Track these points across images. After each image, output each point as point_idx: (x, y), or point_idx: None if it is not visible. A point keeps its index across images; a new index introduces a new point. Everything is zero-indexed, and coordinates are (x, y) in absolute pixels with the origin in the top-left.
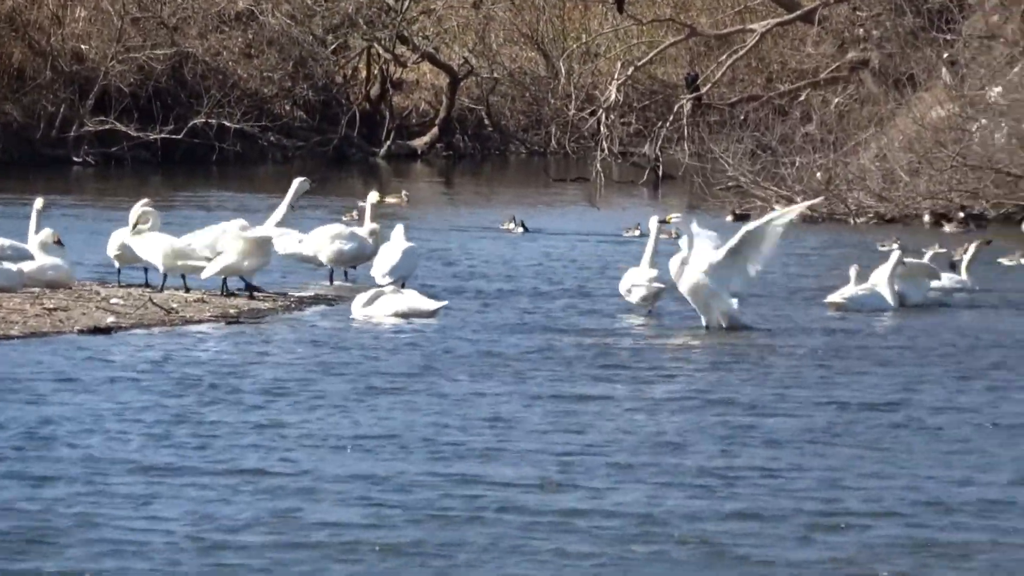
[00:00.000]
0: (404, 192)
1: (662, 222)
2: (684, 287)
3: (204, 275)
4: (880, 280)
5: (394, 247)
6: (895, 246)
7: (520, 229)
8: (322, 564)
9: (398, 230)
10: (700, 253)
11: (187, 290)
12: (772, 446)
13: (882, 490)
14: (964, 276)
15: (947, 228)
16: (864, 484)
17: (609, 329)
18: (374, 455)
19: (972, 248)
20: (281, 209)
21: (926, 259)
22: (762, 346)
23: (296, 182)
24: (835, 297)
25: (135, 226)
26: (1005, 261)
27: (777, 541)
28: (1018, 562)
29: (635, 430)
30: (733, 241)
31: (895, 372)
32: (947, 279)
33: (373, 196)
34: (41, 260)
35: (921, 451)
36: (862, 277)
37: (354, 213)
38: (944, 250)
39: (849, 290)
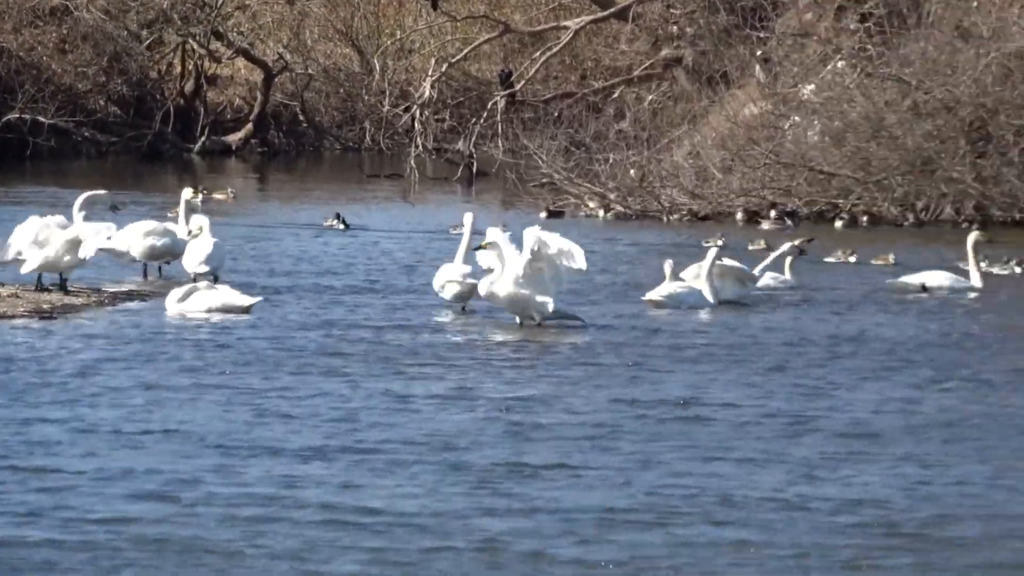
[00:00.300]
0: (230, 189)
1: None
2: (501, 301)
3: (24, 270)
4: (698, 277)
5: (203, 241)
6: (719, 242)
7: (341, 226)
8: (108, 561)
9: (203, 221)
10: (510, 266)
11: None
12: (561, 443)
13: (668, 487)
14: (788, 275)
15: (764, 225)
16: (649, 481)
17: (418, 325)
18: (163, 450)
19: (788, 246)
20: (75, 210)
21: (780, 251)
22: (570, 344)
23: (94, 192)
24: (653, 295)
25: None
26: (831, 260)
27: (562, 538)
28: (818, 557)
29: (426, 427)
30: (527, 251)
31: (696, 369)
32: (770, 277)
33: (187, 192)
34: None
35: (708, 448)
36: (676, 274)
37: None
38: (809, 240)
39: (667, 287)
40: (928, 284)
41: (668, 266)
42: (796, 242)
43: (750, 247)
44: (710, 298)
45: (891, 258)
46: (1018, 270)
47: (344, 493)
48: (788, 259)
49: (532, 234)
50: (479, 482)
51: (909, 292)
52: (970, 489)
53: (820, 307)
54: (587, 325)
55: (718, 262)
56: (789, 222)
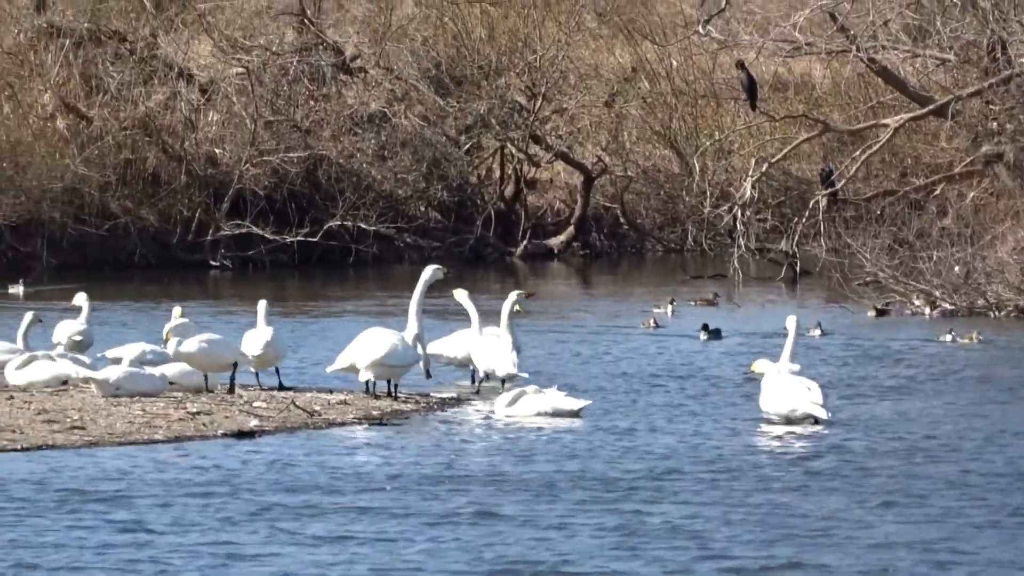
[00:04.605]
0: (713, 292)
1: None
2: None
3: (361, 377)
4: None
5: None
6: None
7: (705, 335)
8: None
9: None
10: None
11: (330, 392)
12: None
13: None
14: None
15: None
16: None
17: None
18: None
19: None
20: (414, 303)
21: None
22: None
23: (428, 269)
24: None
25: (167, 339)
26: None
27: None
28: None
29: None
30: None
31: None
32: None
33: (514, 295)
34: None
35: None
36: None
37: (651, 321)
38: None
39: None
40: None
41: None
42: None
43: None
44: None
45: None
46: None
47: None
48: None
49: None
50: None
51: None
52: None
53: None
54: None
55: None
56: None
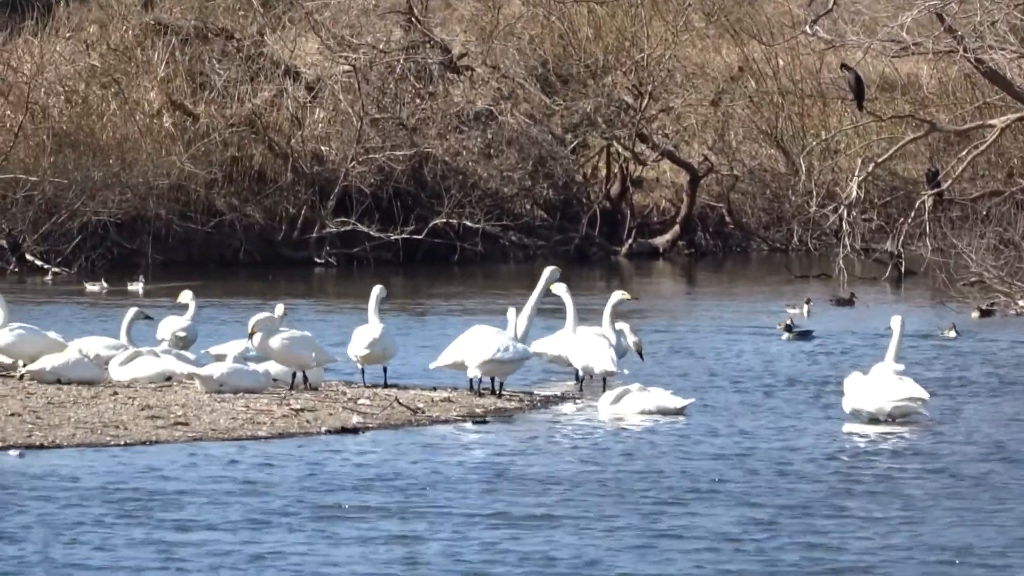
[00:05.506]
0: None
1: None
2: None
3: (469, 374)
4: None
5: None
6: None
7: (787, 335)
8: None
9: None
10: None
11: (434, 389)
12: None
13: None
14: None
15: None
16: None
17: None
18: None
19: None
20: (531, 301)
21: None
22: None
23: (547, 270)
24: None
25: (251, 334)
26: None
27: None
28: None
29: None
30: None
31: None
32: None
33: (617, 295)
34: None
35: None
36: None
37: (787, 321)
38: None
39: None
40: None
41: None
42: None
43: None
44: None
45: None
46: None
47: None
48: None
49: None
50: None
51: None
52: None
53: None
54: None
55: None
56: None
